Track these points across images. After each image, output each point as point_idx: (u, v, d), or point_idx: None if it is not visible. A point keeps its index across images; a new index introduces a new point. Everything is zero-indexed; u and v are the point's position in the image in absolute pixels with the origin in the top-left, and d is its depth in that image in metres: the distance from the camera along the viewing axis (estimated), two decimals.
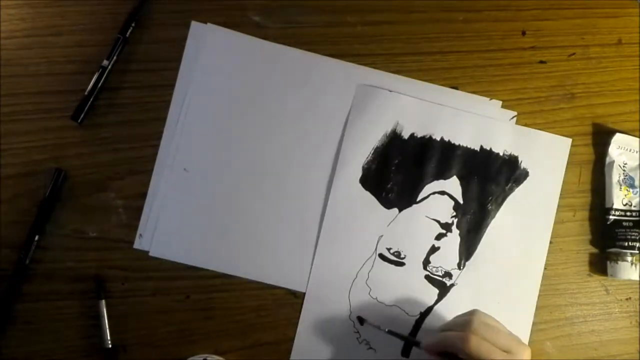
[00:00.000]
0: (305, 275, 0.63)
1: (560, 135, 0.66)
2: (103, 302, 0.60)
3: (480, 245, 0.64)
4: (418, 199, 0.64)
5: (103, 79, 0.62)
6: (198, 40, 0.64)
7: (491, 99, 0.66)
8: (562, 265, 0.65)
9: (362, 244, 0.63)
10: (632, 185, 0.65)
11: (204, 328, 0.62)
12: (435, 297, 0.63)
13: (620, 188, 0.65)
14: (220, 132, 0.64)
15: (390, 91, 0.64)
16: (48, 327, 0.60)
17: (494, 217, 0.64)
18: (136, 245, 0.62)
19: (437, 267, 0.63)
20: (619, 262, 0.63)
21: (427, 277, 0.63)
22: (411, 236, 0.63)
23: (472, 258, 0.64)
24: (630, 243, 0.63)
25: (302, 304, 0.62)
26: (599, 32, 0.68)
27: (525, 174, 0.65)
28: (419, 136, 0.65)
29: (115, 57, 0.63)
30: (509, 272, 0.64)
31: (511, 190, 0.65)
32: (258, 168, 0.64)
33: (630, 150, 0.66)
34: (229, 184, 0.63)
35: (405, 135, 0.64)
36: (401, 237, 0.63)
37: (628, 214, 0.64)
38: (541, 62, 0.67)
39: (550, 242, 0.65)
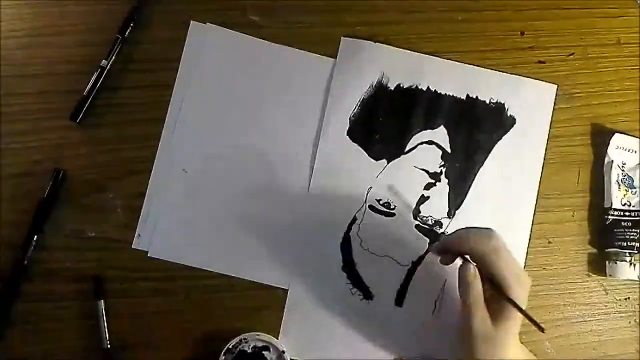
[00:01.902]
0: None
1: (560, 134, 0.66)
2: (102, 302, 0.60)
3: (470, 194, 0.64)
4: (406, 149, 0.64)
5: (102, 79, 0.62)
6: (197, 41, 0.64)
7: None
8: (561, 265, 0.65)
9: (351, 196, 0.63)
10: (631, 185, 0.65)
11: (203, 328, 0.62)
12: (427, 246, 0.63)
13: (619, 188, 0.65)
14: (220, 132, 0.64)
15: (375, 42, 0.64)
16: (47, 328, 0.60)
17: (482, 165, 0.64)
18: (135, 246, 0.62)
19: (427, 217, 0.63)
20: (618, 262, 0.63)
21: (417, 226, 0.63)
22: (400, 186, 0.63)
23: (462, 206, 0.64)
24: (629, 243, 0.63)
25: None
26: (598, 32, 0.68)
27: (512, 121, 0.65)
28: (405, 87, 0.65)
29: (114, 57, 0.63)
30: (499, 219, 0.64)
31: (498, 137, 0.65)
32: (257, 168, 0.64)
33: (629, 150, 0.66)
34: (228, 184, 0.63)
35: (392, 85, 0.65)
36: (390, 188, 0.63)
37: (627, 214, 0.64)
38: (540, 62, 0.67)
39: (549, 242, 0.65)
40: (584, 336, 0.64)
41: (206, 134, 0.64)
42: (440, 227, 0.63)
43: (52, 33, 0.64)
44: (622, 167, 0.65)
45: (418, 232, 0.63)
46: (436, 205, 0.64)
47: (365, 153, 0.64)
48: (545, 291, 0.64)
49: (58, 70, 0.63)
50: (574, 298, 0.65)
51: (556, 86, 0.66)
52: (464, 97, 0.65)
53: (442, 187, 0.64)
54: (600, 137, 0.66)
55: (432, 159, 0.64)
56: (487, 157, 0.64)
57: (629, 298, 0.65)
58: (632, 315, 0.65)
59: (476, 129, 0.64)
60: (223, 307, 0.62)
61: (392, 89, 0.65)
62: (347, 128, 0.64)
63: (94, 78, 0.62)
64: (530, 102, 0.65)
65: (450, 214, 0.64)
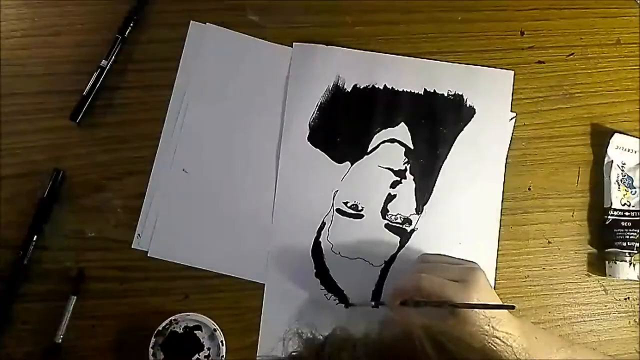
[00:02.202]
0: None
1: (559, 134, 0.66)
2: (74, 298, 0.60)
3: (436, 188, 0.64)
4: (369, 149, 0.64)
5: (102, 79, 0.62)
6: (197, 40, 0.64)
7: None
8: (561, 265, 0.65)
9: (318, 201, 0.63)
10: (630, 185, 0.65)
11: None
12: (398, 245, 0.63)
13: (619, 188, 0.65)
14: (219, 132, 0.64)
15: (327, 45, 0.64)
16: (46, 328, 0.60)
17: (446, 158, 0.64)
18: (134, 246, 0.62)
19: (395, 215, 0.63)
20: (618, 262, 0.63)
21: (387, 225, 0.63)
22: (366, 187, 0.63)
23: (430, 201, 0.64)
24: (628, 243, 0.63)
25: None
26: (597, 33, 0.68)
27: (471, 112, 0.65)
28: (361, 87, 0.65)
29: (113, 57, 0.63)
30: (467, 211, 0.64)
31: (460, 129, 0.65)
32: (257, 168, 0.64)
33: (628, 151, 0.66)
34: (227, 184, 0.63)
35: (348, 87, 0.64)
36: (357, 190, 0.63)
37: (627, 214, 0.64)
38: (540, 62, 0.67)
39: (549, 242, 0.65)
40: (584, 336, 0.64)
41: (206, 134, 0.64)
42: (410, 224, 0.63)
43: (52, 33, 0.64)
44: (622, 167, 0.65)
45: (388, 231, 0.63)
46: (404, 203, 0.63)
47: (328, 157, 0.63)
48: (544, 291, 0.64)
49: (58, 70, 0.63)
50: (574, 298, 0.65)
51: (512, 72, 0.66)
52: (421, 92, 0.65)
53: (408, 183, 0.63)
54: (600, 137, 0.66)
55: (396, 157, 0.64)
56: (450, 150, 0.64)
57: (628, 298, 0.65)
58: (631, 315, 0.65)
59: (437, 123, 0.64)
60: (222, 307, 0.62)
61: (349, 90, 0.64)
62: (307, 134, 0.64)
63: (93, 78, 0.62)
64: (488, 90, 0.65)
65: (419, 210, 0.63)
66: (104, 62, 0.62)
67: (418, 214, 0.63)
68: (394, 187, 0.63)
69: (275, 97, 0.64)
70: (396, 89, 0.65)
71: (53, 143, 0.63)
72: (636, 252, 0.63)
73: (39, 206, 0.61)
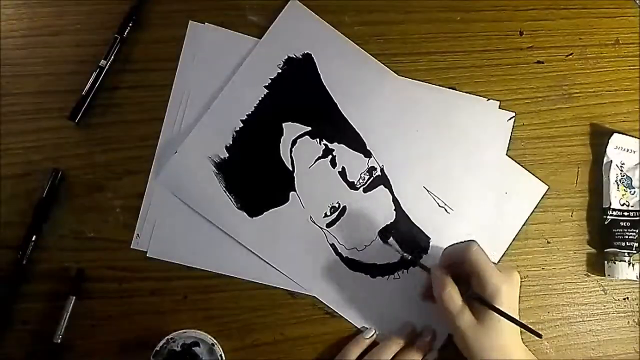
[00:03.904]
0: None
1: (558, 134, 0.66)
2: (73, 298, 0.60)
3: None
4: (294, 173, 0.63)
5: (100, 78, 0.62)
6: (195, 40, 0.64)
7: (489, 99, 0.66)
8: (560, 265, 0.65)
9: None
10: (629, 186, 0.65)
11: (202, 328, 0.61)
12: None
13: (618, 188, 0.65)
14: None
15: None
16: (45, 328, 0.60)
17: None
18: (133, 246, 0.62)
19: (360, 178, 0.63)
20: (617, 262, 0.63)
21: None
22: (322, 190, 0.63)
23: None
24: (627, 243, 0.63)
25: (296, 301, 0.62)
26: (596, 33, 0.68)
27: None
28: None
29: (112, 57, 0.63)
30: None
31: None
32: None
33: (628, 151, 0.66)
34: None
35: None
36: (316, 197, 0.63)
37: (625, 214, 0.64)
38: (539, 62, 0.67)
39: (548, 242, 0.65)
40: (583, 336, 0.64)
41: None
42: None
43: (51, 33, 0.64)
44: (621, 167, 0.65)
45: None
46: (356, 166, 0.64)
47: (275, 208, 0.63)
48: (543, 291, 0.64)
49: (57, 70, 0.63)
50: (573, 298, 0.65)
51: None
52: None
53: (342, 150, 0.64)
54: (599, 137, 0.66)
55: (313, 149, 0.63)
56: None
57: (627, 298, 0.65)
58: (630, 315, 0.65)
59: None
60: (221, 307, 0.62)
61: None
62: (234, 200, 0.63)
63: (92, 78, 0.62)
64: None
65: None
66: (103, 62, 0.62)
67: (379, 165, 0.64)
68: (334, 165, 0.63)
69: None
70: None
71: (52, 143, 0.63)
72: (635, 252, 0.63)
73: (38, 206, 0.61)
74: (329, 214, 0.63)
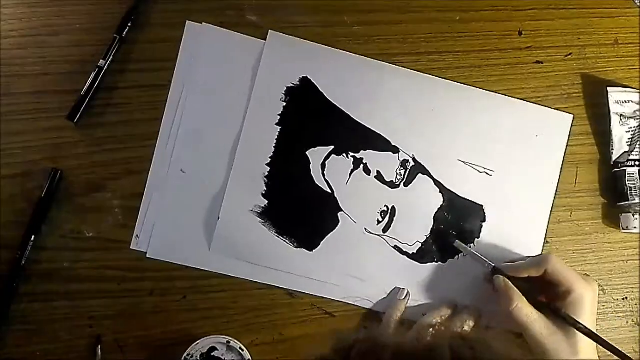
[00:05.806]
0: (303, 276, 0.63)
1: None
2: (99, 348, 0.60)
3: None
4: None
5: (99, 79, 0.62)
6: (194, 41, 0.64)
7: None
8: None
9: None
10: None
11: (201, 328, 0.62)
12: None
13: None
14: (217, 132, 0.64)
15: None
16: (44, 328, 0.60)
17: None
18: (133, 246, 0.62)
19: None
20: (634, 215, 0.63)
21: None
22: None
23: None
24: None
25: (297, 301, 0.62)
26: (595, 33, 0.68)
27: None
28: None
29: (111, 57, 0.62)
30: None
31: None
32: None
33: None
34: (226, 185, 0.63)
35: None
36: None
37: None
38: (538, 62, 0.67)
39: (547, 242, 0.65)
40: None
41: (204, 134, 0.63)
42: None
43: (49, 33, 0.64)
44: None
45: None
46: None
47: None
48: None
49: (55, 70, 0.63)
50: None
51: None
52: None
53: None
54: (599, 137, 0.66)
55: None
56: None
57: (626, 298, 0.65)
58: (630, 315, 0.65)
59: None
60: (220, 307, 0.62)
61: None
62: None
63: (91, 78, 0.62)
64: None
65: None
66: (101, 62, 0.62)
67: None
68: (368, 172, 0.64)
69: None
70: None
71: (51, 143, 0.62)
72: None
73: (36, 206, 0.61)
74: (381, 219, 0.63)
